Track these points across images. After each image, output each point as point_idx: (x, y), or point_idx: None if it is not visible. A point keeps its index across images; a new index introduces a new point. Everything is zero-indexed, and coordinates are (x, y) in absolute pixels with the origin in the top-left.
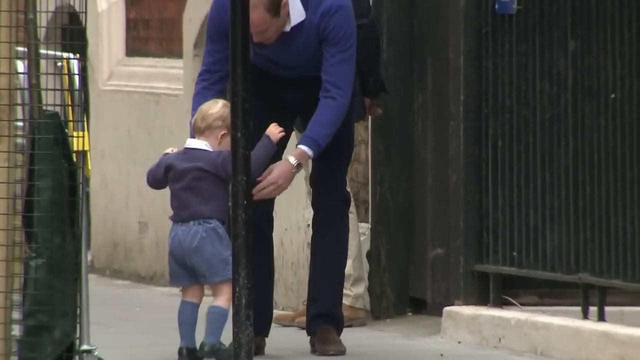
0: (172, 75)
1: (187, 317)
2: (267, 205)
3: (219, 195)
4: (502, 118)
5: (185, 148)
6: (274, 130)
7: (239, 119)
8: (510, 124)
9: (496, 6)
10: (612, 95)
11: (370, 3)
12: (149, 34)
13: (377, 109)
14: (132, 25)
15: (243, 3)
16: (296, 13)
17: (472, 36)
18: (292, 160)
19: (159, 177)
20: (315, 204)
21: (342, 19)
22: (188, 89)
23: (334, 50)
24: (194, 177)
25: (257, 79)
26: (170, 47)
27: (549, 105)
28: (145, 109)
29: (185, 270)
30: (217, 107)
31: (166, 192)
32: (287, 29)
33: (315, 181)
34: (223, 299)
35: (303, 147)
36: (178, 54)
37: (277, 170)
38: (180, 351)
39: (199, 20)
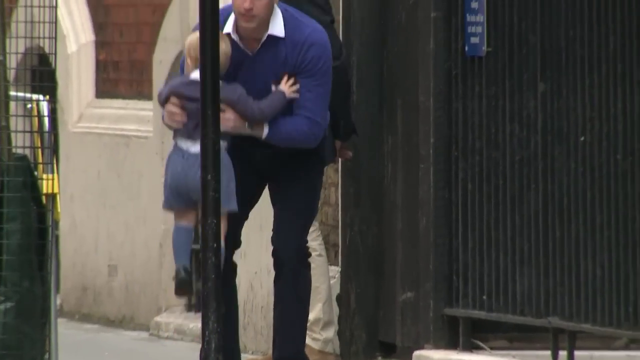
0: (142, 117)
1: (181, 240)
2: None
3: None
4: (472, 161)
5: (190, 80)
6: (286, 87)
7: (209, 161)
8: (480, 167)
9: (466, 48)
10: (582, 138)
11: (342, 45)
12: (119, 75)
13: (347, 151)
14: (102, 67)
15: (213, 40)
16: (277, 26)
17: (442, 78)
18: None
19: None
20: (275, 254)
21: (317, 49)
22: (158, 131)
23: (306, 80)
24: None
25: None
26: (140, 89)
27: (518, 148)
28: (115, 151)
29: (181, 196)
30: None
31: (135, 236)
32: (266, 35)
33: (276, 230)
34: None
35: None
36: (148, 96)
37: (236, 115)
38: (177, 271)
39: (168, 62)
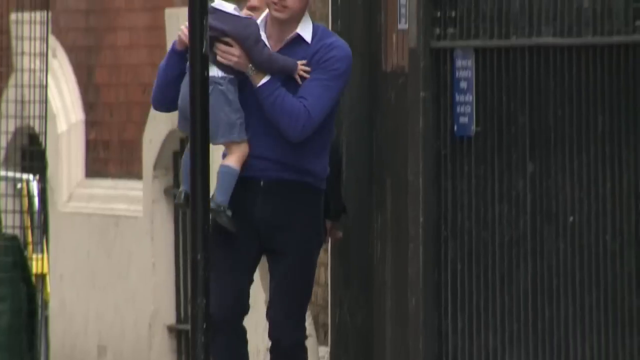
0: (132, 197)
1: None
2: (237, 320)
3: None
4: (461, 240)
5: (212, 7)
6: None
7: (198, 241)
8: (469, 247)
9: (455, 128)
10: (571, 218)
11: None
12: (108, 155)
13: (337, 232)
14: (92, 147)
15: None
16: (306, 31)
17: (431, 158)
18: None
19: None
20: (275, 344)
21: (340, 51)
22: (148, 210)
23: (319, 75)
24: (216, 38)
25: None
26: (130, 169)
27: (508, 228)
28: (104, 231)
29: (187, 120)
30: None
31: (124, 317)
32: (293, 34)
33: (274, 311)
34: (233, 158)
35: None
36: (138, 175)
37: (241, 52)
38: (179, 194)
39: (158, 142)
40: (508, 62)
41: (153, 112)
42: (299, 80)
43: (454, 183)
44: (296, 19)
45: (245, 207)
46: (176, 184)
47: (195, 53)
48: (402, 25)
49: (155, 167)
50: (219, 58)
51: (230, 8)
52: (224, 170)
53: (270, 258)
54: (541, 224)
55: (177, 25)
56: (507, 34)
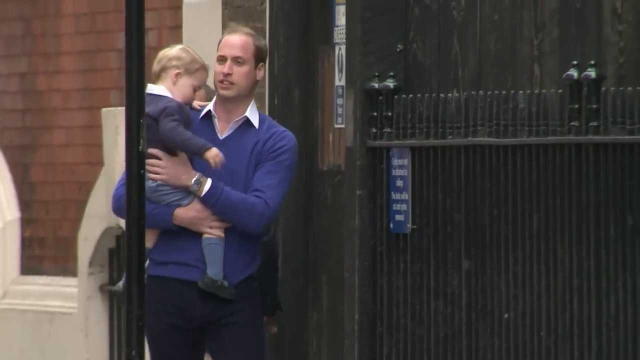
0: (67, 294)
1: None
2: None
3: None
4: (396, 337)
5: (146, 93)
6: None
7: (134, 338)
8: (404, 343)
9: (391, 225)
10: (506, 315)
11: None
12: (44, 252)
13: (272, 327)
14: (28, 244)
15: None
16: (253, 115)
17: (367, 255)
18: (194, 175)
19: None
20: None
21: (290, 141)
22: (82, 307)
23: (272, 166)
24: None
25: (161, 288)
26: (65, 266)
27: (443, 325)
28: (38, 328)
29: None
30: (173, 49)
31: None
32: (243, 116)
33: None
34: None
35: (209, 179)
36: (73, 273)
37: (176, 165)
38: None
39: (94, 239)
40: (444, 161)
41: (89, 210)
42: (212, 164)
43: (389, 279)
44: (244, 101)
45: (183, 305)
46: (111, 281)
47: (132, 151)
48: (339, 124)
49: (90, 264)
50: (148, 175)
51: (157, 89)
52: (213, 242)
53: (214, 347)
54: (476, 321)
55: (113, 123)
56: (443, 134)
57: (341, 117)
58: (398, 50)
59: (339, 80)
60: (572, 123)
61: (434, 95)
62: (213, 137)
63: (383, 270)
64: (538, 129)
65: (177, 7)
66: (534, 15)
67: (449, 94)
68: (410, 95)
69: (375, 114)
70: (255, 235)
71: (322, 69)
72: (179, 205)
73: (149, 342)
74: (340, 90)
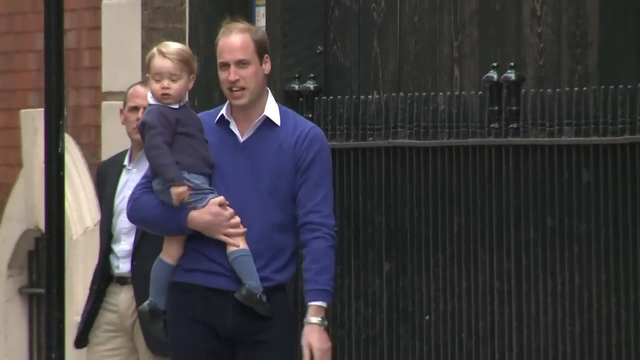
0: None
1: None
2: None
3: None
4: None
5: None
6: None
7: (54, 341)
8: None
9: None
10: (427, 317)
11: None
12: None
13: None
14: None
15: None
16: (273, 112)
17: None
18: (314, 319)
19: None
20: None
21: (321, 140)
22: (1, 309)
23: (316, 178)
24: None
25: (189, 296)
26: None
27: (364, 327)
28: None
29: None
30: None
31: None
32: (262, 116)
33: None
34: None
35: (316, 303)
36: None
37: (313, 339)
38: (145, 304)
39: (13, 241)
40: (364, 163)
41: (8, 212)
42: (174, 200)
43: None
44: (260, 99)
45: (212, 316)
46: (30, 283)
47: (52, 153)
48: None
49: (9, 266)
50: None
51: (149, 98)
52: (241, 255)
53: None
54: (397, 322)
55: (32, 125)
56: (363, 136)
57: None
58: (318, 51)
59: None
60: (492, 125)
61: (354, 96)
62: (233, 142)
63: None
64: (458, 130)
65: (96, 8)
66: (454, 17)
67: (369, 96)
68: (331, 97)
69: None
70: (294, 230)
71: None
72: (194, 208)
73: (174, 354)
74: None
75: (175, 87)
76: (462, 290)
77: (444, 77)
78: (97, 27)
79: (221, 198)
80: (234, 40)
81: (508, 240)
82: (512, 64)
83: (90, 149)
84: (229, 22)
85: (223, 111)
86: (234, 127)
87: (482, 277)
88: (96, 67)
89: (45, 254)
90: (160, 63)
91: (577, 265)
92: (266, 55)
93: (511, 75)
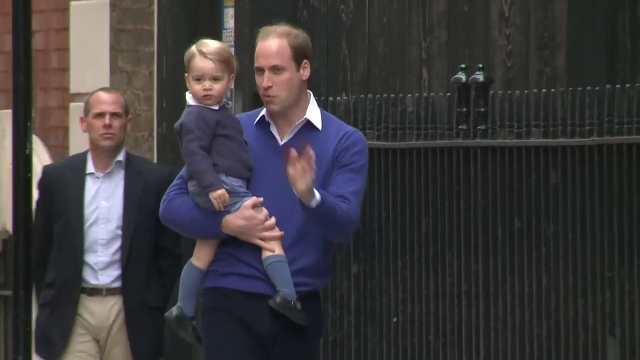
0: None
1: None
2: None
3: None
4: None
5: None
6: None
7: (21, 344)
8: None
9: None
10: (394, 319)
11: None
12: None
13: None
14: None
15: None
16: (314, 115)
17: None
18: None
19: None
20: None
21: (362, 142)
22: None
23: (349, 173)
24: None
25: (223, 301)
26: None
27: (332, 329)
28: None
29: None
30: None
31: None
32: (302, 119)
33: None
34: (271, 245)
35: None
36: None
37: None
38: (172, 309)
39: None
40: None
41: None
42: (214, 205)
43: None
44: (299, 103)
45: (249, 319)
46: None
47: (19, 154)
48: None
49: None
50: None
51: (188, 98)
52: (276, 260)
53: None
54: (365, 324)
55: (0, 126)
56: None
57: None
58: None
59: None
60: (461, 126)
61: (322, 98)
62: (272, 144)
63: None
64: (426, 132)
65: (64, 9)
66: (422, 19)
67: (338, 97)
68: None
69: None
70: (333, 245)
71: None
72: (229, 212)
73: (209, 351)
74: (228, 93)
75: (217, 87)
76: (430, 292)
77: (412, 78)
78: (65, 29)
79: (253, 199)
80: (270, 45)
81: (476, 242)
82: (480, 65)
83: (58, 151)
84: (272, 24)
85: (263, 112)
86: (274, 130)
87: (450, 279)
88: (64, 69)
89: (12, 255)
90: (201, 64)
91: (545, 267)
92: (305, 61)
93: (479, 76)
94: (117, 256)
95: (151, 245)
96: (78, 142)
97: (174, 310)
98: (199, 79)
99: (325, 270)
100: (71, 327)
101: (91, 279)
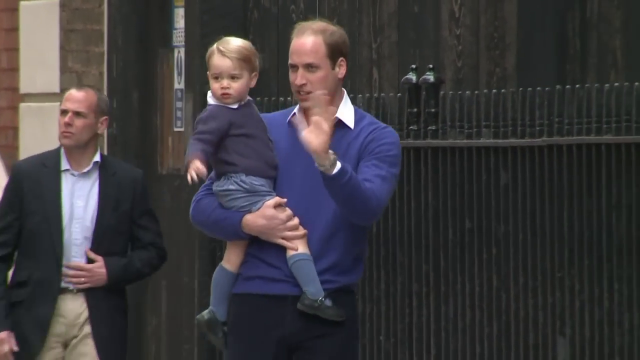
0: None
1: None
2: None
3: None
4: None
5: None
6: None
7: None
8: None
9: None
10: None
11: None
12: None
13: None
14: None
15: None
16: (347, 114)
17: (207, 259)
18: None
19: None
20: None
21: (393, 136)
22: None
23: (376, 161)
24: None
25: (245, 308)
26: None
27: None
28: None
29: None
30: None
31: None
32: (335, 116)
33: None
34: (295, 244)
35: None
36: None
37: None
38: (204, 313)
39: None
40: None
41: None
42: (189, 177)
43: None
44: (332, 102)
45: (268, 320)
46: None
47: None
48: (178, 127)
49: None
50: None
51: (209, 97)
52: (300, 259)
53: None
54: None
55: None
56: None
57: (180, 121)
58: None
59: (179, 84)
60: (411, 127)
61: (273, 98)
62: (302, 143)
63: None
64: None
65: (13, 9)
66: (373, 19)
67: (289, 98)
68: (250, 99)
69: None
70: (363, 233)
71: (162, 72)
72: (250, 212)
73: None
74: (179, 94)
75: (235, 86)
76: (381, 292)
77: (362, 79)
78: (15, 29)
79: (276, 199)
80: (305, 42)
81: (426, 242)
82: (430, 66)
83: (8, 151)
84: (309, 19)
85: (295, 111)
86: (303, 140)
87: (401, 279)
88: (14, 69)
89: None
90: (219, 62)
91: (495, 267)
92: (341, 59)
93: (430, 77)
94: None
95: (124, 246)
96: (28, 142)
97: (205, 314)
98: (216, 77)
99: (353, 267)
100: (48, 326)
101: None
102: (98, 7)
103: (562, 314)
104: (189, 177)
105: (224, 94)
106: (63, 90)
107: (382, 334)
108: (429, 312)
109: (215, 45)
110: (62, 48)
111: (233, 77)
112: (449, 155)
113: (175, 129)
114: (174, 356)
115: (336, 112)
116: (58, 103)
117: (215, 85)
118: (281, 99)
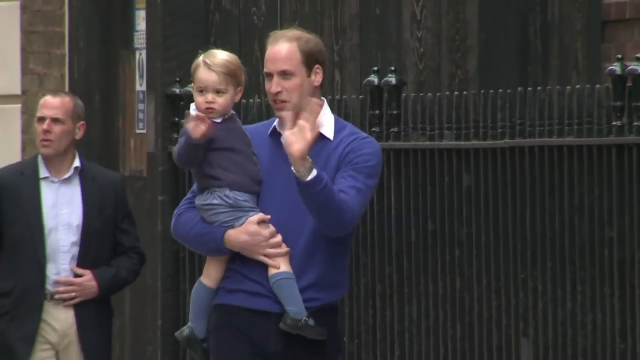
0: None
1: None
2: None
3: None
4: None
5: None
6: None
7: None
8: (209, 348)
9: None
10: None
11: None
12: None
13: None
14: None
15: None
16: (326, 126)
17: (170, 261)
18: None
19: None
20: None
21: (373, 146)
22: None
23: (352, 171)
24: None
25: (230, 318)
26: None
27: None
28: None
29: None
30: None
31: None
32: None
33: None
34: (277, 263)
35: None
36: None
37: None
38: (182, 329)
39: None
40: None
41: None
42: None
43: (192, 285)
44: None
45: (255, 335)
46: None
47: None
48: (140, 129)
49: None
50: None
51: (192, 109)
52: (281, 277)
53: None
54: None
55: None
56: None
57: (142, 123)
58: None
59: (140, 86)
60: (373, 129)
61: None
62: (283, 154)
63: (186, 276)
64: None
65: None
66: (334, 22)
67: (251, 100)
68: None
69: (177, 119)
70: (345, 248)
71: (123, 73)
72: (232, 227)
73: None
74: (141, 96)
75: (220, 101)
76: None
77: (324, 81)
78: None
79: (259, 216)
80: (279, 49)
81: (389, 243)
82: (392, 68)
83: None
84: (279, 31)
85: (276, 123)
86: (284, 140)
87: (364, 280)
88: None
89: None
90: (204, 75)
91: (458, 269)
92: (317, 66)
93: (392, 79)
94: (76, 262)
95: (111, 249)
96: None
97: (184, 330)
98: (201, 90)
99: (337, 283)
100: (35, 335)
101: (53, 285)
102: (59, 9)
103: (525, 315)
104: (192, 130)
105: (208, 108)
106: (24, 92)
107: (346, 335)
108: (393, 313)
109: (201, 58)
110: (24, 50)
111: (218, 92)
112: (412, 157)
113: (137, 131)
114: (138, 357)
115: (319, 130)
116: (19, 105)
117: (199, 99)
118: (243, 101)
